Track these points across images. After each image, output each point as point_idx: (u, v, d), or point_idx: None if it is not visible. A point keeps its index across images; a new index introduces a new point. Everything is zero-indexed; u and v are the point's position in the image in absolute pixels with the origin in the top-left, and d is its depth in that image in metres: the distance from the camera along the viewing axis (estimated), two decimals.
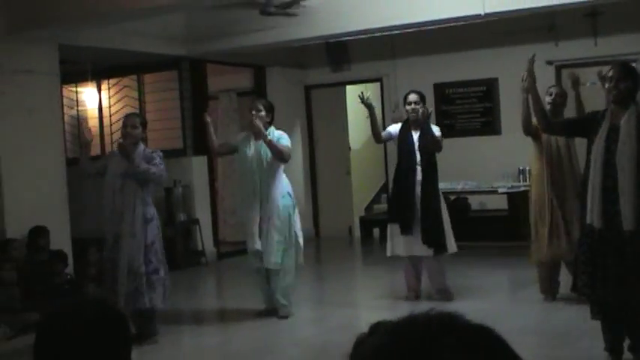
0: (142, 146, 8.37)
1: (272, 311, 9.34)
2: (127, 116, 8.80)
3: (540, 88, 13.61)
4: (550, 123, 7.60)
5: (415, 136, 9.41)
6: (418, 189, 9.31)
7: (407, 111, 9.54)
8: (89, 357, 2.21)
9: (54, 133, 11.21)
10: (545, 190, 8.89)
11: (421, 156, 9.35)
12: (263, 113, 9.09)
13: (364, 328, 1.74)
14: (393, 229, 9.55)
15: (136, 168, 8.08)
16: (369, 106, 9.49)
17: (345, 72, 15.82)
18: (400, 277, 10.53)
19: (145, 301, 8.16)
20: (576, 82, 9.29)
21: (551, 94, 9.08)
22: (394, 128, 9.69)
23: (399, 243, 9.49)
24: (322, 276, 9.97)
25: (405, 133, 9.49)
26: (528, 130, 9.00)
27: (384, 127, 15.48)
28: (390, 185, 9.71)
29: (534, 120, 8.38)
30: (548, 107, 8.96)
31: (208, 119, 9.43)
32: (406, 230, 9.33)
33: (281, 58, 15.33)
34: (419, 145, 9.35)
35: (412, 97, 9.54)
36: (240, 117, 15.59)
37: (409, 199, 9.33)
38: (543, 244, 8.92)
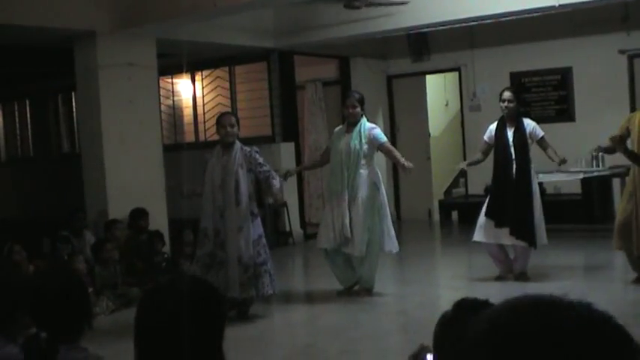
0: (238, 144, 8.41)
1: (351, 289, 9.38)
2: (224, 116, 8.69)
3: (613, 77, 13.40)
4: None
5: (510, 132, 9.29)
6: (513, 184, 9.23)
7: (501, 108, 9.39)
8: (186, 329, 2.25)
9: (152, 121, 11.37)
10: (633, 182, 8.72)
11: (515, 152, 9.23)
12: (358, 109, 9.14)
13: (444, 306, 1.75)
14: (485, 220, 9.45)
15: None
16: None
17: (425, 62, 15.72)
18: (478, 258, 10.47)
19: (254, 291, 8.31)
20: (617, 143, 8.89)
21: None
22: (491, 129, 9.55)
23: (488, 232, 9.38)
24: (403, 256, 9.96)
25: (500, 129, 9.37)
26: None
27: (462, 117, 15.49)
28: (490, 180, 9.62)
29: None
30: None
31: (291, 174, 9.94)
32: (500, 225, 9.25)
33: (364, 49, 15.30)
34: (513, 141, 9.24)
35: (506, 94, 9.38)
36: (326, 106, 15.63)
37: (505, 194, 9.23)
38: (616, 232, 8.79)
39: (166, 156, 11.66)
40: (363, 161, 9.00)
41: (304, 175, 15.28)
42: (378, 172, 9.26)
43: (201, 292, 2.38)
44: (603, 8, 11.89)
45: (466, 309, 2.35)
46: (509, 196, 9.18)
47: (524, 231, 9.18)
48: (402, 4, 11.64)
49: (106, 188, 10.65)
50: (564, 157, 9.14)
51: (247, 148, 8.41)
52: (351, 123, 9.16)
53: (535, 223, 9.20)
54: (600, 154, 8.68)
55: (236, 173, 8.24)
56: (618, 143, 8.52)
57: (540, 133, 9.33)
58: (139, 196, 10.72)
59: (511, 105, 9.28)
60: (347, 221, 8.90)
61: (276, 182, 8.40)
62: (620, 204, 9.11)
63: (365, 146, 9.01)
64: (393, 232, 9.20)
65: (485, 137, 9.58)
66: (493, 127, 9.50)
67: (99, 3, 10.44)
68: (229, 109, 14.05)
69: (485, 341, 1.24)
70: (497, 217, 9.27)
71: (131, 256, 10.08)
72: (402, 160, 8.95)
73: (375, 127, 9.27)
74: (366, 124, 9.12)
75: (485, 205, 9.49)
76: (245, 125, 12.80)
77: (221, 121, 8.51)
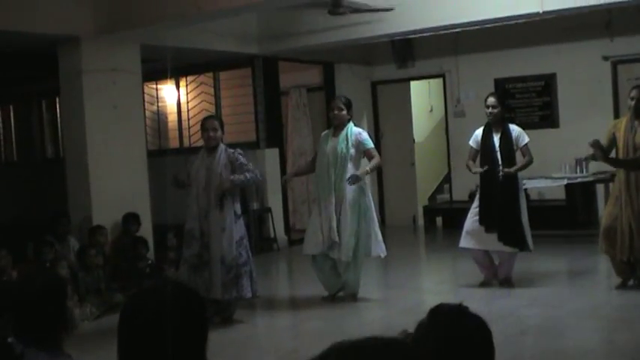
0: (222, 146, 8.43)
1: (335, 295, 9.37)
2: (207, 120, 8.69)
3: (596, 83, 13.42)
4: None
5: (496, 137, 9.28)
6: (499, 189, 9.21)
7: (486, 113, 9.39)
8: (169, 335, 2.24)
9: (136, 126, 11.35)
10: (619, 188, 8.72)
11: (502, 157, 9.23)
12: (344, 112, 9.12)
13: (427, 311, 1.74)
14: (472, 225, 9.44)
15: (237, 185, 8.31)
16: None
17: (410, 68, 15.75)
18: (462, 264, 10.48)
19: (234, 292, 8.28)
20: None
21: (632, 98, 8.79)
22: (477, 135, 9.53)
23: (475, 238, 9.36)
24: (388, 262, 9.97)
25: (486, 135, 9.36)
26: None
27: (447, 123, 15.52)
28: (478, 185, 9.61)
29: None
30: (631, 108, 8.76)
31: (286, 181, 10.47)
32: (490, 230, 9.23)
33: (349, 55, 15.31)
34: (499, 146, 9.24)
35: (490, 100, 9.36)
36: (310, 111, 15.63)
37: (492, 200, 9.23)
38: (602, 236, 8.82)
39: (151, 161, 11.63)
40: (349, 165, 8.98)
41: (290, 181, 15.27)
42: (366, 177, 9.24)
43: (184, 297, 2.37)
44: (587, 15, 11.93)
45: (442, 315, 2.35)
46: (496, 201, 9.18)
47: (512, 237, 9.18)
48: (386, 10, 11.66)
49: (90, 193, 10.61)
50: (510, 170, 9.15)
51: (231, 150, 8.43)
52: (337, 126, 9.15)
53: (523, 227, 9.21)
54: (585, 162, 8.75)
55: (220, 175, 8.25)
56: (597, 148, 8.51)
57: (525, 140, 9.32)
58: (124, 201, 10.69)
59: (495, 110, 9.27)
60: (334, 224, 8.89)
61: (247, 175, 8.34)
62: (605, 209, 9.12)
63: (352, 150, 9.00)
64: (380, 236, 9.17)
65: (472, 143, 9.55)
66: (479, 132, 9.49)
67: (83, 8, 10.41)
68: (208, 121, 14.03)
69: None
70: (486, 223, 9.25)
71: (116, 260, 10.06)
72: (367, 169, 8.99)
73: (362, 132, 9.24)
74: (352, 128, 9.11)
75: (473, 211, 9.46)
76: (229, 131, 12.80)
77: (204, 124, 8.54)
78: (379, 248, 9.15)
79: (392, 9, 11.63)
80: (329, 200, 8.97)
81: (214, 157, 8.34)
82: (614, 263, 8.97)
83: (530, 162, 9.31)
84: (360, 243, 8.97)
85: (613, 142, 8.82)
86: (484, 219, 9.25)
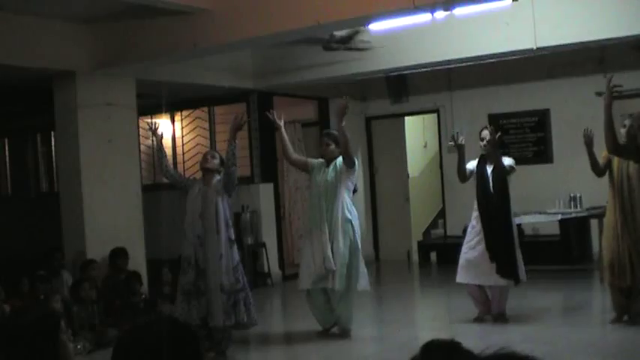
0: (217, 177, 8.47)
1: (330, 330, 9.33)
2: (208, 151, 9.14)
3: (589, 119, 13.47)
4: (618, 145, 8.58)
5: (489, 169, 9.33)
6: (493, 221, 9.21)
7: (480, 146, 9.43)
8: None
9: (131, 161, 11.35)
10: (614, 218, 8.72)
11: (494, 188, 9.25)
12: (333, 147, 9.28)
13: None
14: (465, 259, 9.41)
15: (232, 149, 8.29)
16: (460, 147, 9.41)
17: (404, 104, 15.78)
18: (457, 300, 10.44)
19: (234, 317, 8.27)
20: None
21: (624, 126, 8.85)
22: (472, 164, 9.56)
23: (469, 272, 9.33)
24: (382, 297, 9.95)
25: (481, 167, 9.41)
26: (616, 148, 8.73)
27: (441, 159, 15.54)
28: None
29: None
30: (623, 138, 8.81)
31: (280, 123, 9.65)
32: (494, 259, 9.20)
33: (343, 90, 15.33)
34: (492, 178, 9.26)
35: (484, 132, 9.44)
36: (305, 146, 15.63)
37: (490, 230, 9.22)
38: (607, 269, 8.79)
39: (145, 196, 11.61)
40: (341, 189, 9.06)
41: (286, 215, 15.27)
42: (354, 210, 9.26)
43: (178, 333, 2.36)
44: (580, 51, 11.98)
45: (434, 351, 2.33)
46: (489, 232, 9.17)
47: (509, 269, 9.15)
48: (363, 50, 11.75)
49: (84, 228, 10.58)
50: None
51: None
52: (329, 160, 9.31)
53: (517, 259, 9.20)
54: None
55: (216, 203, 8.29)
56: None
57: (509, 163, 9.34)
58: (118, 236, 10.66)
59: (490, 144, 9.32)
60: (329, 253, 8.89)
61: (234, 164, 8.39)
62: (603, 240, 9.09)
63: (340, 175, 9.09)
64: (364, 269, 9.19)
65: (468, 165, 9.56)
66: (471, 165, 9.51)
67: (79, 43, 10.44)
68: (208, 150, 14.05)
69: None
70: (490, 251, 9.22)
71: (109, 296, 10.00)
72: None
73: None
74: (341, 159, 9.19)
75: (466, 246, 9.43)
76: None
77: (205, 154, 8.83)
78: (364, 282, 9.17)
79: (369, 48, 11.73)
80: (322, 230, 9.00)
81: (210, 185, 8.42)
82: (613, 296, 8.95)
83: (510, 168, 9.31)
84: (349, 274, 8.97)
85: (608, 162, 8.85)
86: (489, 248, 9.22)
